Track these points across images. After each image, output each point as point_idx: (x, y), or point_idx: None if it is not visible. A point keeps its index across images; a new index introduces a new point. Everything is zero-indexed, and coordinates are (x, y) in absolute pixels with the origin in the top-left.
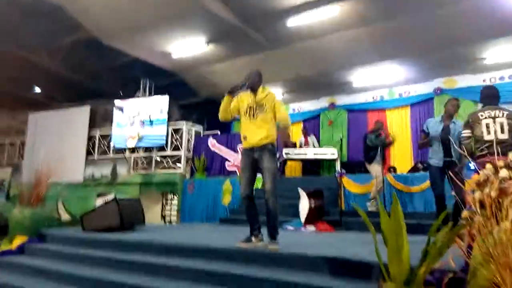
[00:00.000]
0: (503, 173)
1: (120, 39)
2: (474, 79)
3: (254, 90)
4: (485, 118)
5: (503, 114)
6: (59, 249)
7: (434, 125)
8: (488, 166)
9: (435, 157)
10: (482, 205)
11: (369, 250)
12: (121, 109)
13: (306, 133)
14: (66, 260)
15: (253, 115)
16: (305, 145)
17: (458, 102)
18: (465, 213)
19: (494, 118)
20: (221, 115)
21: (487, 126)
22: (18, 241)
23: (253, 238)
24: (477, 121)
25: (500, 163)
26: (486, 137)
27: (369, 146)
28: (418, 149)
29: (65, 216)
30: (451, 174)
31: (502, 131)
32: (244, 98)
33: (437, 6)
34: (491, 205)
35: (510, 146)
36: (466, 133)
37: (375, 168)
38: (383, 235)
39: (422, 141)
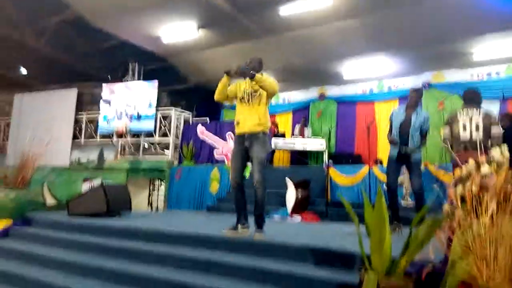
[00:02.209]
0: (484, 169)
1: (108, 20)
2: (462, 74)
3: (252, 77)
4: (463, 118)
5: (479, 114)
6: (44, 233)
7: (396, 116)
8: (471, 161)
9: (392, 148)
10: (463, 199)
11: (352, 241)
12: (108, 102)
13: (304, 124)
14: (51, 245)
15: (248, 101)
16: (300, 135)
17: (419, 93)
18: (446, 207)
19: (471, 118)
20: (217, 96)
21: (464, 125)
22: (2, 224)
23: (239, 227)
24: (455, 120)
25: (482, 159)
26: (462, 136)
27: None
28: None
29: (50, 200)
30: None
31: (477, 130)
32: (242, 83)
33: (427, 0)
34: (471, 200)
35: (484, 145)
36: (446, 130)
37: None
38: (366, 226)
39: (388, 136)
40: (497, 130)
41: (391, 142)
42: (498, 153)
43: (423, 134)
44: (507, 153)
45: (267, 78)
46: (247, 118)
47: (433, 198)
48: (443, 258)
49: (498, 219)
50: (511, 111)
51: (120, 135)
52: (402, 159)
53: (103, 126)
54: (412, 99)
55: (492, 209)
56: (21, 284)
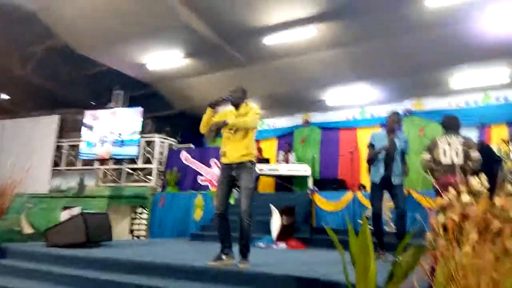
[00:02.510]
0: (465, 198)
1: (93, 48)
2: (441, 102)
3: (237, 106)
4: (443, 144)
5: (459, 141)
6: (20, 265)
7: (379, 139)
8: (451, 190)
9: (375, 174)
10: (445, 228)
11: (338, 269)
12: (90, 128)
13: (288, 150)
14: (27, 277)
15: (234, 131)
16: (285, 161)
17: (398, 117)
18: (428, 236)
19: (450, 144)
20: (203, 129)
21: (444, 151)
22: None
23: (223, 256)
24: (435, 146)
25: (462, 188)
26: (443, 161)
27: None
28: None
29: (28, 230)
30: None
31: (457, 156)
32: (227, 113)
33: (408, 32)
34: (453, 229)
35: (464, 169)
36: (427, 155)
37: None
38: (351, 254)
39: (370, 155)
40: (476, 154)
41: (370, 162)
42: (477, 182)
43: (403, 157)
44: (485, 182)
45: (251, 118)
46: (235, 149)
47: (416, 226)
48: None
49: (480, 248)
50: (487, 139)
51: (102, 162)
52: (385, 184)
53: (85, 152)
54: (392, 123)
55: (473, 238)
56: None
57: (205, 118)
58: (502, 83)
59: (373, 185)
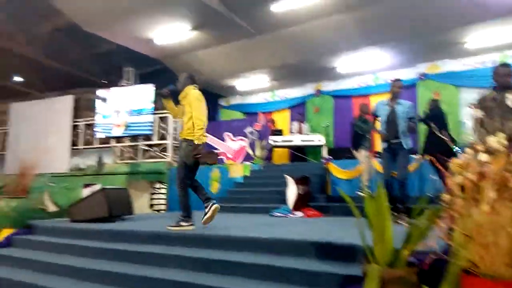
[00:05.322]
0: (483, 157)
1: (100, 25)
2: (456, 64)
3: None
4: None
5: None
6: (47, 240)
7: (381, 108)
8: (469, 150)
9: (382, 141)
10: (462, 188)
11: (354, 233)
12: (104, 99)
13: (301, 121)
14: (54, 251)
15: (182, 113)
16: (299, 132)
17: (400, 83)
18: (445, 196)
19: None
20: (174, 116)
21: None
22: (5, 233)
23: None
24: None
25: (480, 147)
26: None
27: (357, 133)
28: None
29: (52, 207)
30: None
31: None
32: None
33: None
34: (470, 188)
35: None
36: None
37: (362, 154)
38: (367, 218)
39: (375, 129)
40: None
41: (380, 135)
42: (495, 141)
43: (412, 122)
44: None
45: (196, 112)
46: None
47: (431, 187)
48: (445, 248)
49: (497, 206)
50: None
51: (118, 140)
52: (394, 149)
53: (100, 124)
54: (394, 90)
55: (491, 197)
56: None
57: (168, 107)
58: None
59: (383, 151)
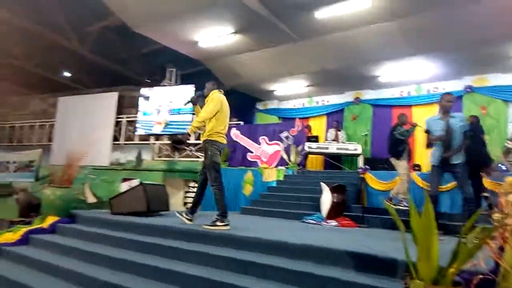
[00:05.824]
0: None
1: (148, 26)
2: (505, 78)
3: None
4: None
5: None
6: (87, 229)
7: (434, 123)
8: None
9: (434, 156)
10: None
11: (393, 247)
12: (146, 98)
13: (337, 128)
14: (94, 241)
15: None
16: (334, 140)
17: (452, 97)
18: (497, 215)
19: None
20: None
21: None
22: (50, 220)
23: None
24: None
25: None
26: None
27: (397, 140)
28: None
29: (91, 198)
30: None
31: None
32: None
33: (469, 2)
34: None
35: None
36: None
37: (403, 165)
38: (412, 233)
39: (429, 141)
40: None
41: (437, 140)
42: None
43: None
44: None
45: (204, 111)
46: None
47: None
48: (493, 268)
49: None
50: None
51: (157, 137)
52: (445, 165)
53: (142, 120)
54: (447, 104)
55: None
56: (66, 277)
57: (196, 111)
58: None
59: (433, 167)
